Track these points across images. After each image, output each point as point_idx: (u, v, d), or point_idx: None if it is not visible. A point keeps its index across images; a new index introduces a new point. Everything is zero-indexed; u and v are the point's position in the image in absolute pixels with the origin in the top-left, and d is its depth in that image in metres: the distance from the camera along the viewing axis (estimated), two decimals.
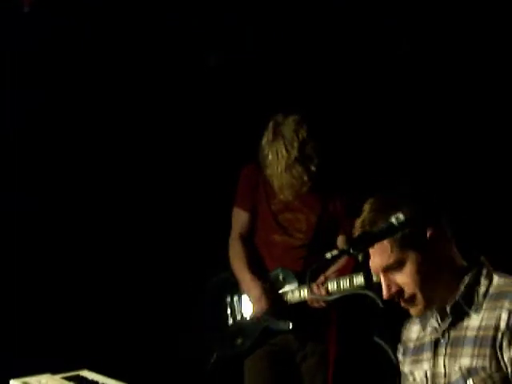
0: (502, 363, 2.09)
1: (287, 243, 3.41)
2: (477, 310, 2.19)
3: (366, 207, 2.12)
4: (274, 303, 3.29)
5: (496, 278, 2.19)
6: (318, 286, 3.19)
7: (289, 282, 3.33)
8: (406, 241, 2.08)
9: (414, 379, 2.27)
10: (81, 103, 4.18)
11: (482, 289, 2.19)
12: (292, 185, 3.29)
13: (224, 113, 4.13)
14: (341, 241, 3.32)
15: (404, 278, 2.10)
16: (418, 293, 2.13)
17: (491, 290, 2.19)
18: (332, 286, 3.19)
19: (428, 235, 2.09)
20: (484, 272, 2.20)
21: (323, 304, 3.24)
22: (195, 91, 4.21)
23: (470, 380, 2.12)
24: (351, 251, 1.99)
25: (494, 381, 2.11)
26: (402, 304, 2.14)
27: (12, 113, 4.03)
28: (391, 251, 2.07)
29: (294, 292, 3.29)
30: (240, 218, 3.48)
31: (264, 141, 3.36)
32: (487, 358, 2.10)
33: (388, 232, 2.00)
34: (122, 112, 4.18)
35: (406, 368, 2.28)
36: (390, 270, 2.10)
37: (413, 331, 2.34)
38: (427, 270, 2.13)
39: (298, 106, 3.53)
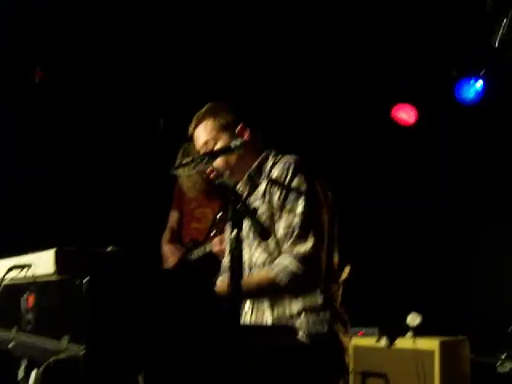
0: (274, 210, 2.64)
1: (201, 229, 4.51)
2: (264, 179, 2.73)
3: None
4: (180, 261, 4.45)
5: (284, 156, 2.72)
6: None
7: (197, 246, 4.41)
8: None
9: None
10: None
11: (269, 164, 2.76)
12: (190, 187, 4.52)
13: None
14: None
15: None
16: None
17: (276, 162, 2.72)
18: None
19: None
20: (272, 153, 2.79)
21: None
22: None
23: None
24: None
25: (267, 215, 2.65)
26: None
27: None
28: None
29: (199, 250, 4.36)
30: (172, 216, 4.73)
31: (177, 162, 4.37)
32: (266, 205, 2.66)
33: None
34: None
35: None
36: (206, 145, 2.78)
37: None
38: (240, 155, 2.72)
39: None
